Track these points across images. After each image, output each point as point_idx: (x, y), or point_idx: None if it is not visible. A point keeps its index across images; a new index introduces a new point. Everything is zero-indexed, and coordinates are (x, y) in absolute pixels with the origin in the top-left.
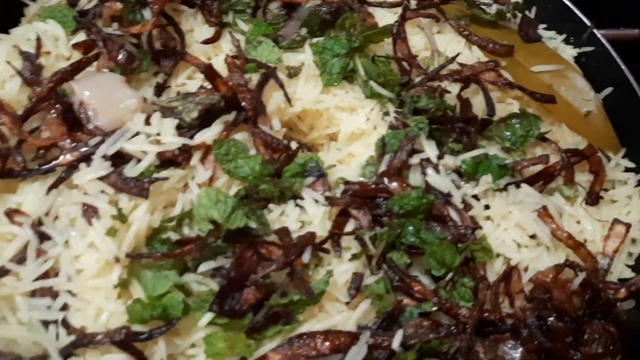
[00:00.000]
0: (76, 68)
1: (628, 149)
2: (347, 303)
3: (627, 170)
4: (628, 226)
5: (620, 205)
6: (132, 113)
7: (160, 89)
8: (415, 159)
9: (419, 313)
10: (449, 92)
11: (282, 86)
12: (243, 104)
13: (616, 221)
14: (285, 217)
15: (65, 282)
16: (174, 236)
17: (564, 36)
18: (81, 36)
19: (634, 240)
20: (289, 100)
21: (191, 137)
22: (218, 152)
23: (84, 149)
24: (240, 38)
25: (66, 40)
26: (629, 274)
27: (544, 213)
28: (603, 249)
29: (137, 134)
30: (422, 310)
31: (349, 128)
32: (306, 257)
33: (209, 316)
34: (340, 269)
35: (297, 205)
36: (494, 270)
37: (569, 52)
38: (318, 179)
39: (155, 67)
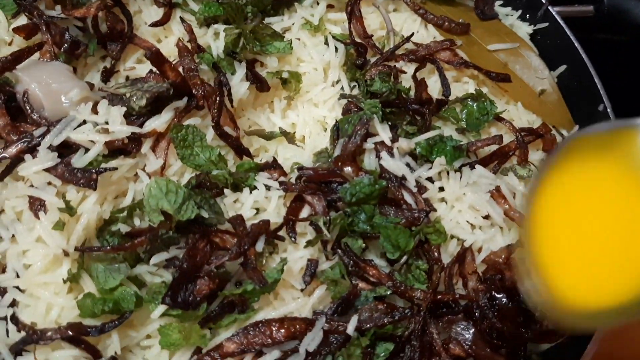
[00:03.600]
0: (17, 57)
1: (580, 127)
2: (303, 290)
3: None
4: None
5: None
6: (76, 104)
7: (108, 74)
8: (369, 143)
9: (374, 297)
10: (404, 72)
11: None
12: (194, 91)
13: None
14: (239, 204)
15: (13, 279)
16: (124, 228)
17: (519, 12)
18: (22, 20)
19: None
20: (231, 101)
21: (141, 125)
22: (175, 136)
23: (29, 140)
24: (192, 18)
25: (7, 24)
26: None
27: (497, 194)
28: None
29: (83, 122)
30: (377, 294)
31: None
32: (259, 246)
33: (161, 308)
34: (295, 255)
35: (251, 192)
36: (449, 252)
37: (525, 30)
38: (273, 166)
39: (103, 51)
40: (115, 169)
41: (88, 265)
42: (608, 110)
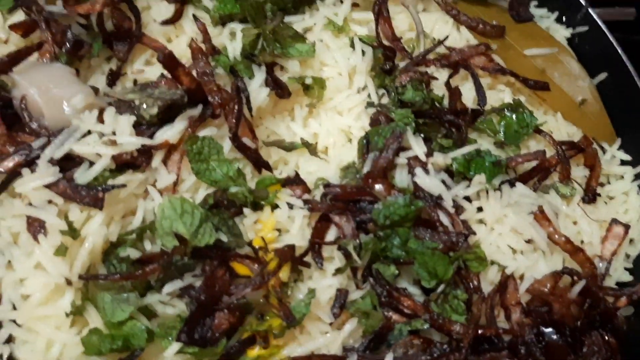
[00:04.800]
0: (14, 58)
1: (623, 140)
2: (331, 323)
3: (623, 163)
4: (627, 227)
5: (617, 202)
6: (79, 112)
7: (114, 77)
8: (402, 158)
9: (409, 330)
10: (436, 78)
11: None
12: (209, 98)
13: (614, 221)
14: (260, 224)
15: (9, 311)
16: (133, 253)
17: (556, 14)
18: (20, 15)
19: (631, 241)
20: (249, 109)
21: (151, 136)
22: (190, 149)
23: (27, 153)
24: (205, 16)
25: (2, 21)
26: (627, 277)
27: (540, 216)
28: (601, 251)
29: (88, 132)
30: (413, 328)
31: None
32: (285, 275)
33: (176, 346)
34: (323, 284)
35: (272, 210)
36: (488, 279)
37: (562, 33)
38: (295, 182)
39: (108, 51)
40: (123, 185)
41: (93, 295)
42: None
